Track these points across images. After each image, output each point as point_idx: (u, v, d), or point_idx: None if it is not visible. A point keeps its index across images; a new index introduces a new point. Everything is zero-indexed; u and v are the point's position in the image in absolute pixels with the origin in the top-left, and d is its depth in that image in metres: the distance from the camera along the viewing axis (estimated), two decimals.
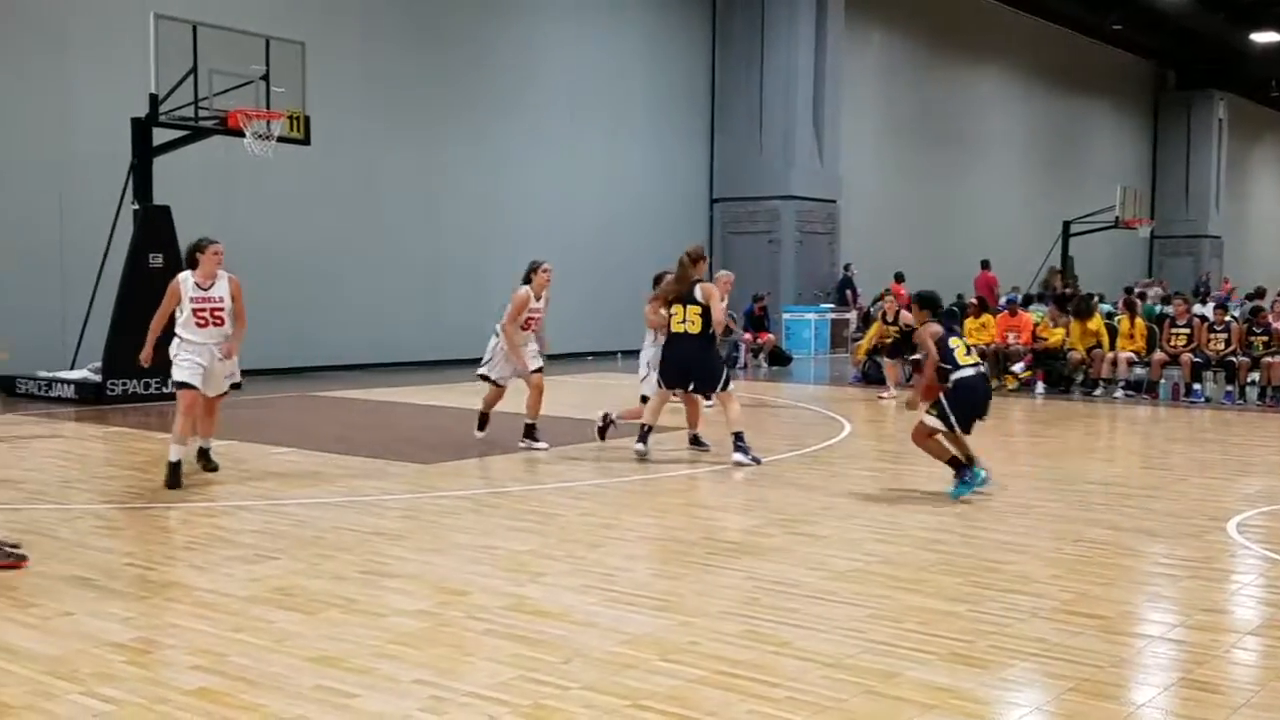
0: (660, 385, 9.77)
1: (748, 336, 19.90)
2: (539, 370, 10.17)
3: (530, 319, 10.06)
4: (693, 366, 9.48)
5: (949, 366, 8.03)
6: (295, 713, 4.08)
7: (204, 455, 8.84)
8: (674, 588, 5.73)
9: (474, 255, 19.50)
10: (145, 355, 8.50)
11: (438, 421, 12.42)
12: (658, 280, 10.43)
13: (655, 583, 5.82)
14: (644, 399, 10.39)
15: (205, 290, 8.30)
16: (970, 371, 8.07)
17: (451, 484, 8.57)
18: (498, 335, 10.18)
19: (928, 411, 8.09)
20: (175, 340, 8.33)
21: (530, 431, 10.18)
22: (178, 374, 8.26)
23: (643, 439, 9.66)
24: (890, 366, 15.57)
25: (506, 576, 5.90)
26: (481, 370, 10.32)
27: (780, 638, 4.93)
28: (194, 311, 8.24)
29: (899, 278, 22.78)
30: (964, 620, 5.23)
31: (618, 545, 6.70)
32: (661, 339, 9.97)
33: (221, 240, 8.56)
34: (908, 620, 5.21)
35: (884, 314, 16.00)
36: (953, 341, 8.12)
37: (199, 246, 8.39)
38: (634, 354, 22.45)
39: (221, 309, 8.33)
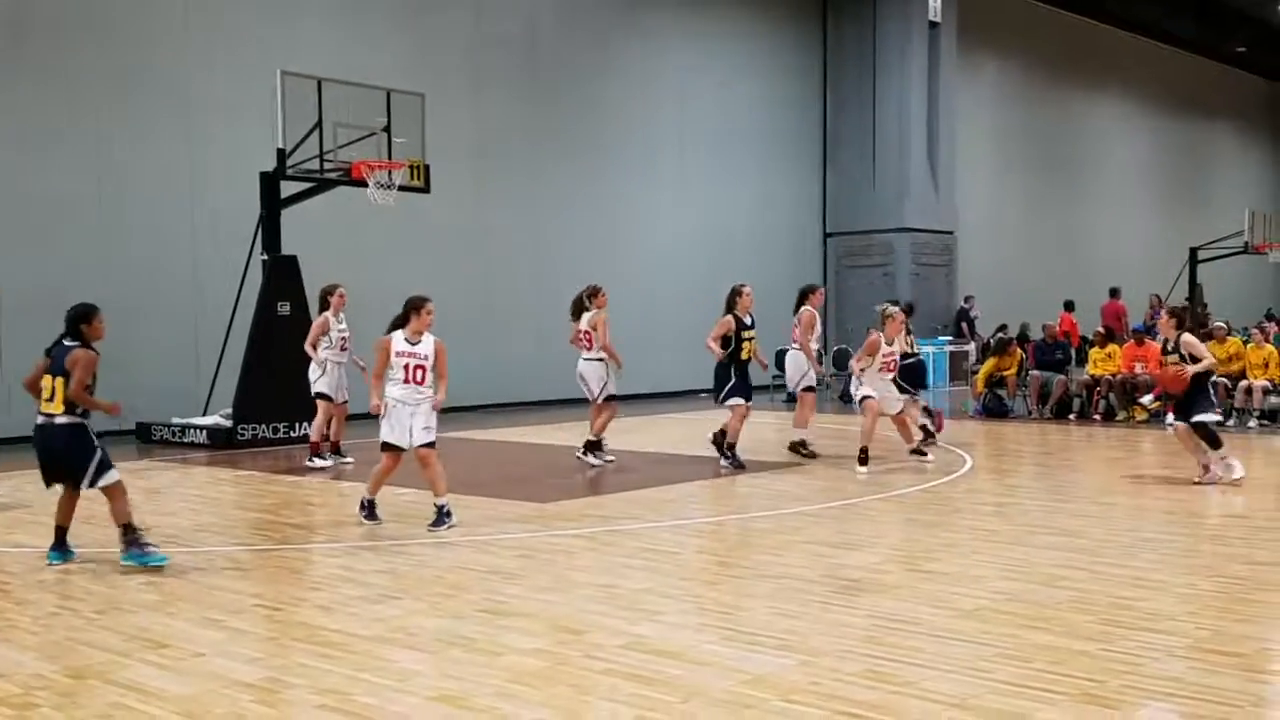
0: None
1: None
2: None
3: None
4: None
5: None
6: None
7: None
8: (793, 626, 5.66)
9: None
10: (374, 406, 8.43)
11: (552, 460, 12.52)
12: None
13: (774, 621, 5.76)
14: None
15: (413, 346, 8.28)
16: None
17: (568, 523, 8.63)
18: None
19: None
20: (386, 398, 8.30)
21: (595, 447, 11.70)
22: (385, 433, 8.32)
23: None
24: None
25: (624, 615, 5.90)
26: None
27: (903, 678, 4.82)
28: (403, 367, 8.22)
29: (1069, 306, 22.26)
30: (1095, 659, 5.06)
31: (735, 583, 6.65)
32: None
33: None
34: (1036, 660, 5.05)
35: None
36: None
37: (416, 305, 8.30)
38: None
39: (424, 365, 8.30)
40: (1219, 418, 9.87)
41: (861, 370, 11.26)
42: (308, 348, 11.76)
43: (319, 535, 8.55)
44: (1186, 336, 9.89)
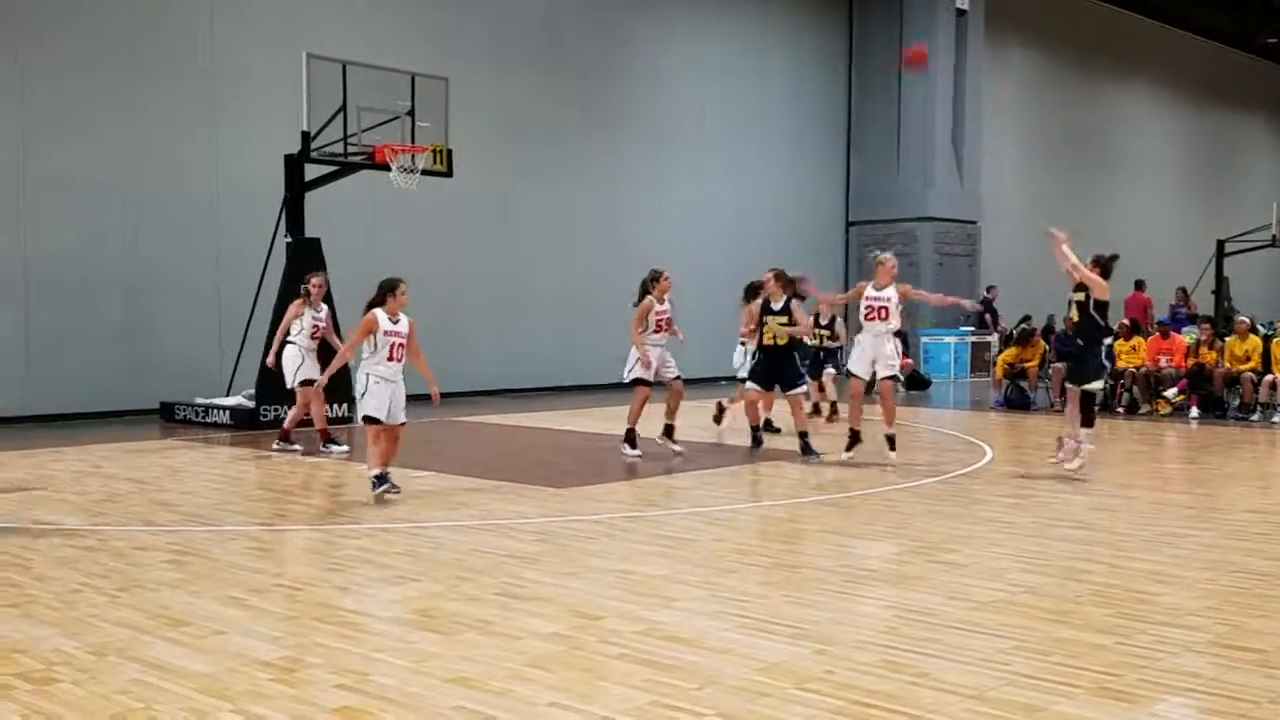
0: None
1: None
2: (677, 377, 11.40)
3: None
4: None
5: None
6: None
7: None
8: (809, 615, 5.66)
9: (604, 282, 19.72)
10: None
11: (571, 445, 12.55)
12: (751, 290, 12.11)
13: (790, 610, 5.76)
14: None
15: (394, 325, 8.78)
16: None
17: (585, 508, 8.65)
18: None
19: None
20: (364, 374, 8.75)
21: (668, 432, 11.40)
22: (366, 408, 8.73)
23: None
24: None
25: (640, 601, 5.92)
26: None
27: (919, 668, 4.82)
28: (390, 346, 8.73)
29: (1139, 285, 22.22)
30: (1112, 653, 5.04)
31: (752, 571, 6.66)
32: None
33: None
34: (1053, 653, 5.04)
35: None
36: None
37: (390, 286, 8.80)
38: None
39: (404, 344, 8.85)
40: (1101, 385, 10.14)
41: (830, 306, 12.09)
42: (278, 336, 11.65)
43: (339, 516, 8.60)
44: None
